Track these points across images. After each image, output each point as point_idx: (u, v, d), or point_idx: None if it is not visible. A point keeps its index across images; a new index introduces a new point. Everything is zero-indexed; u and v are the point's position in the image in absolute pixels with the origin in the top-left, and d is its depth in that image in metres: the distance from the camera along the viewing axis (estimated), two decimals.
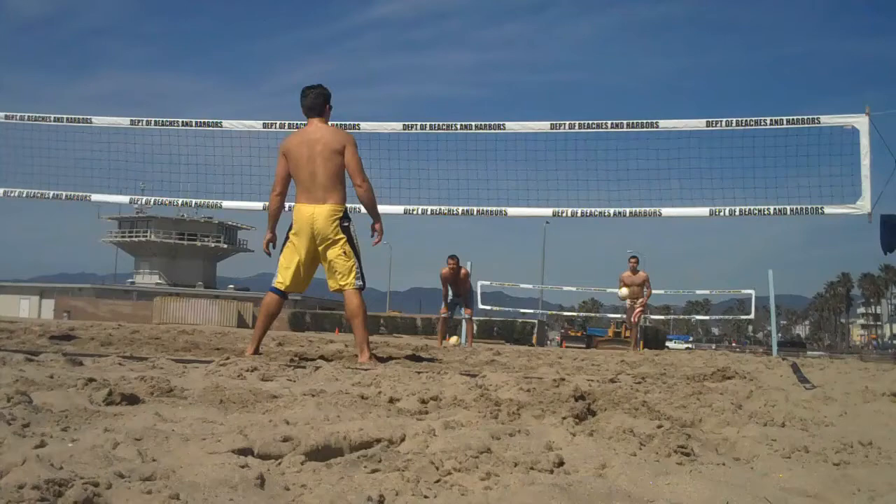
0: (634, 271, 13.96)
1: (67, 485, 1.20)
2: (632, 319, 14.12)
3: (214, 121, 8.84)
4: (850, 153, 7.42)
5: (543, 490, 1.33)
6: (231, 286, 60.57)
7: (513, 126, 8.36)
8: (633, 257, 14.06)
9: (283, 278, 4.78)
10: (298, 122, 8.97)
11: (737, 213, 7.74)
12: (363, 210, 5.07)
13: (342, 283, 4.76)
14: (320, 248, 4.73)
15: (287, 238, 4.80)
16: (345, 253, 4.73)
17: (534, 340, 30.97)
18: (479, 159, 8.45)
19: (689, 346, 60.41)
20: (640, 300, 13.99)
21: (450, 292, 12.59)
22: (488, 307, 23.25)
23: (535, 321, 36.62)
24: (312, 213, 4.69)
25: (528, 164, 8.48)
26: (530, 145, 8.45)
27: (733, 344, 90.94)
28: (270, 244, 4.99)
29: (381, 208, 8.28)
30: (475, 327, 14.30)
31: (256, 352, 4.68)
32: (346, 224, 4.76)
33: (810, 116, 7.67)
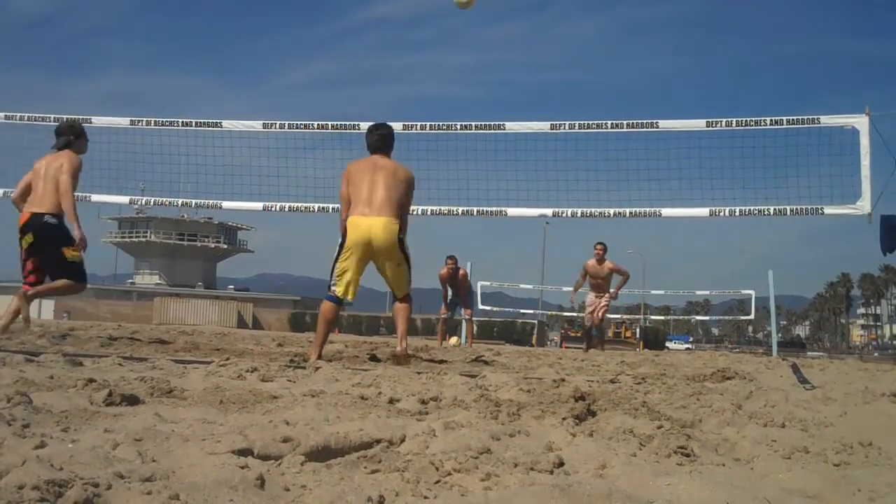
0: (601, 261, 11.81)
1: (67, 485, 1.20)
2: (596, 316, 11.98)
3: (214, 121, 8.84)
4: (850, 153, 7.43)
5: (543, 491, 1.33)
6: (231, 287, 60.56)
7: (513, 126, 8.36)
8: (600, 244, 11.77)
9: (341, 287, 4.89)
10: (298, 123, 8.98)
11: (737, 213, 7.75)
12: None
13: (398, 293, 5.03)
14: (379, 259, 4.91)
15: (342, 247, 4.89)
16: (399, 265, 4.95)
17: (534, 341, 30.96)
18: (479, 159, 8.46)
19: (689, 346, 60.39)
20: (606, 296, 11.98)
21: (449, 292, 12.55)
22: (488, 307, 23.24)
23: (535, 322, 36.60)
24: (371, 225, 4.82)
25: (528, 164, 8.49)
26: (530, 145, 8.46)
27: (730, 345, 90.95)
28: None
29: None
30: (475, 328, 14.18)
31: (320, 358, 4.69)
32: (402, 236, 4.94)
33: (810, 116, 7.68)
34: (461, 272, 12.43)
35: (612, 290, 11.90)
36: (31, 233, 5.82)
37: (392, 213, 4.85)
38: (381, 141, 5.15)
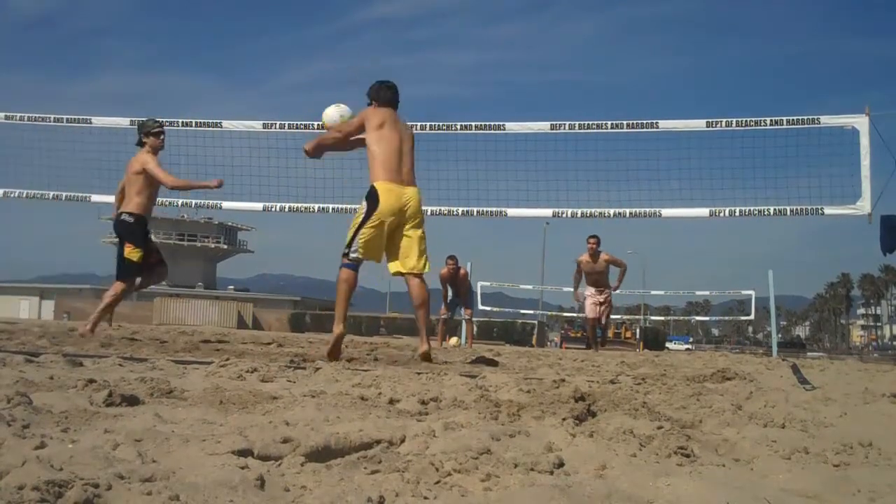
0: (595, 255, 10.95)
1: (67, 486, 1.20)
2: (596, 318, 11.31)
3: (214, 121, 8.85)
4: (850, 153, 7.44)
5: (543, 491, 1.33)
6: (231, 287, 60.56)
7: (513, 126, 8.36)
8: (593, 237, 10.79)
9: (364, 250, 4.83)
10: (298, 123, 8.98)
11: (737, 213, 7.75)
12: None
13: (420, 265, 4.92)
14: (406, 227, 4.86)
15: (368, 215, 4.81)
16: (424, 234, 4.97)
17: (534, 341, 30.96)
18: (479, 159, 8.47)
19: (690, 347, 60.40)
20: (607, 292, 11.27)
21: (449, 292, 12.52)
22: (488, 308, 23.23)
23: (535, 322, 36.59)
24: (407, 194, 4.86)
25: (528, 164, 8.49)
26: (530, 145, 8.46)
27: (730, 345, 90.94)
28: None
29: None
30: (475, 328, 14.12)
31: (344, 329, 4.78)
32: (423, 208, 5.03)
33: (810, 116, 7.68)
34: (462, 272, 12.41)
35: (613, 284, 11.32)
36: (115, 232, 6.45)
37: (415, 183, 4.99)
38: (397, 96, 5.15)
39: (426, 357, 4.79)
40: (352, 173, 8.64)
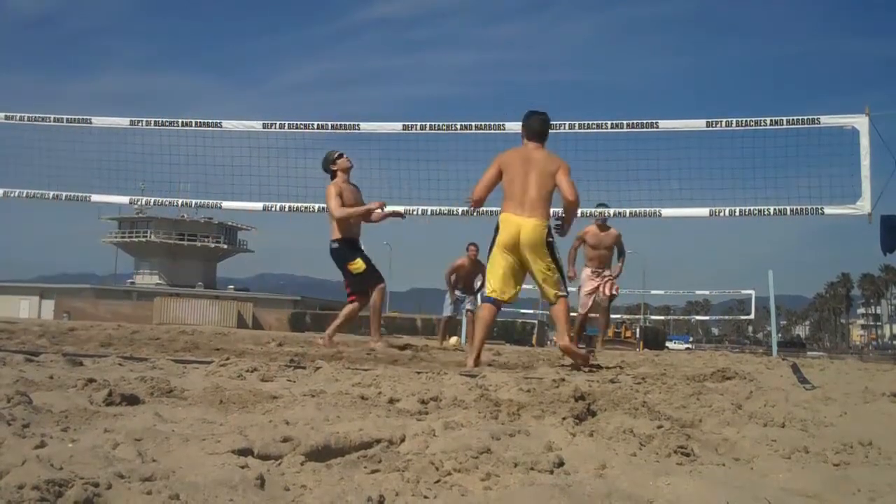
0: (604, 228, 9.51)
1: (67, 485, 1.20)
2: (603, 292, 9.69)
3: (214, 121, 8.83)
4: (850, 153, 7.42)
5: (543, 490, 1.33)
6: (231, 287, 60.50)
7: (513, 126, 8.34)
8: (602, 204, 8.56)
9: (494, 286, 4.98)
10: (298, 122, 8.98)
11: (737, 213, 7.74)
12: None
13: (549, 297, 5.04)
14: (527, 260, 4.92)
15: (493, 246, 4.98)
16: (548, 267, 4.94)
17: (534, 341, 30.95)
18: (479, 159, 8.45)
19: (690, 346, 60.38)
20: (606, 275, 9.75)
21: (456, 290, 11.61)
22: None
23: (536, 322, 36.58)
24: (521, 224, 4.86)
25: None
26: None
27: (729, 344, 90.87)
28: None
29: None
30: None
31: (477, 365, 4.76)
32: (550, 240, 4.97)
33: (810, 116, 7.67)
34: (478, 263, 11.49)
35: (616, 266, 9.77)
36: (333, 260, 6.81)
37: (542, 215, 4.89)
38: (543, 126, 5.12)
39: (568, 350, 5.01)
40: (351, 172, 8.64)
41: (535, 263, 4.89)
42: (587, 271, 9.87)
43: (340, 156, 6.95)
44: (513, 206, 4.89)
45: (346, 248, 6.79)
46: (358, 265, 6.72)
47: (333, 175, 6.92)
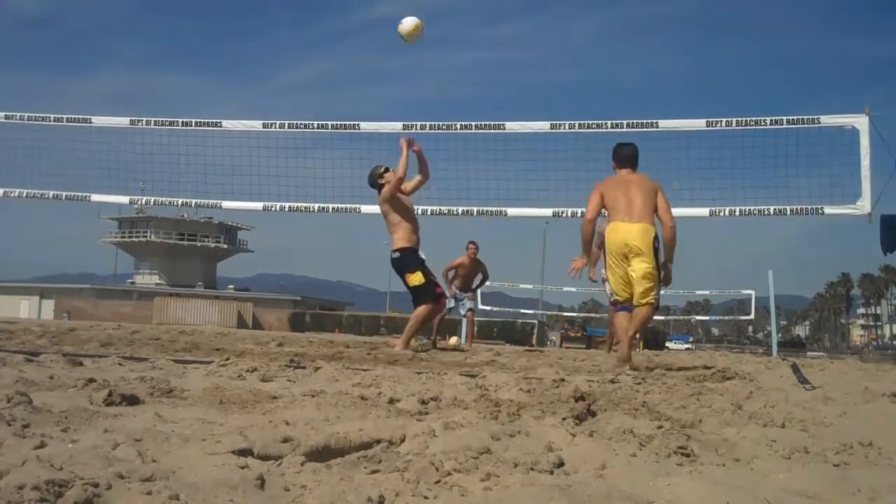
0: None
1: (67, 485, 1.20)
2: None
3: (214, 121, 8.84)
4: (850, 153, 7.43)
5: (543, 491, 1.33)
6: (231, 286, 60.50)
7: (513, 126, 8.35)
8: None
9: (618, 293, 5.26)
10: (298, 122, 8.98)
11: (737, 213, 7.74)
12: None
13: (641, 297, 5.16)
14: (633, 261, 5.14)
15: (605, 255, 5.31)
16: (651, 270, 5.12)
17: (534, 341, 30.95)
18: (479, 159, 8.46)
19: (690, 346, 60.34)
20: None
21: (454, 288, 11.48)
22: (488, 307, 23.20)
23: (535, 322, 36.59)
24: (628, 229, 5.15)
25: (528, 164, 8.49)
26: (530, 145, 8.46)
27: (728, 344, 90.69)
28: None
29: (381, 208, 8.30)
30: (475, 328, 13.18)
31: (634, 367, 4.93)
32: (657, 245, 5.19)
33: (810, 116, 7.67)
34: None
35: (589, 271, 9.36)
36: (394, 270, 6.82)
37: (648, 221, 5.18)
38: (633, 153, 5.49)
39: (624, 360, 5.02)
40: (352, 172, 8.64)
41: (638, 264, 5.10)
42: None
43: (387, 170, 6.92)
44: (620, 215, 5.21)
45: (408, 259, 6.77)
46: (417, 278, 6.71)
47: (380, 189, 6.87)
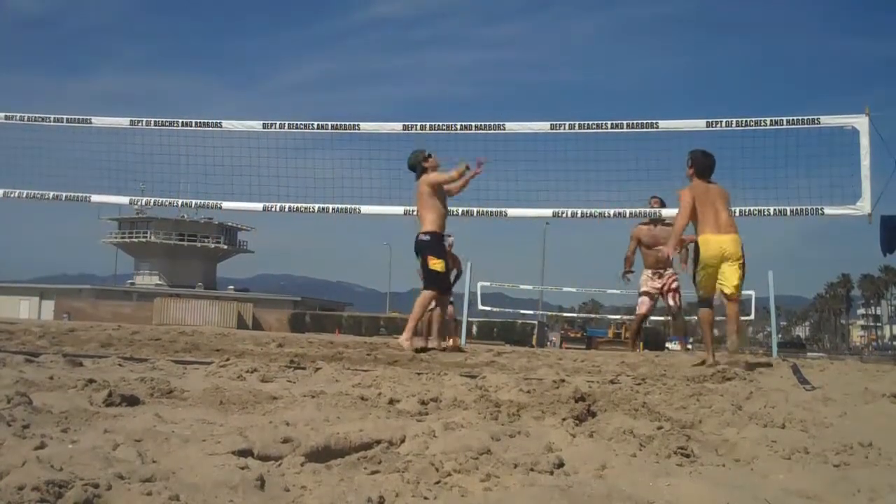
0: (657, 222, 8.64)
1: (67, 486, 1.20)
2: (671, 304, 8.89)
3: (214, 121, 8.83)
4: (850, 153, 7.42)
5: (543, 491, 1.33)
6: (231, 287, 60.48)
7: (513, 126, 8.35)
8: (655, 197, 8.19)
9: (706, 293, 6.02)
10: (298, 123, 8.97)
11: (736, 213, 7.73)
12: None
13: (729, 290, 5.89)
14: (725, 265, 5.86)
15: (698, 264, 5.94)
16: (740, 267, 5.90)
17: (533, 341, 30.95)
18: None
19: (689, 347, 60.20)
20: (667, 275, 8.80)
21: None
22: (488, 308, 23.20)
23: (535, 322, 36.58)
24: (721, 241, 5.85)
25: (528, 164, 8.48)
26: (530, 145, 8.45)
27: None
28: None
29: (381, 209, 8.30)
30: (475, 328, 13.22)
31: (716, 360, 5.72)
32: (743, 251, 5.94)
33: (810, 116, 7.67)
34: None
35: (680, 262, 8.37)
36: (416, 251, 6.94)
37: (736, 231, 5.98)
38: (714, 165, 6.05)
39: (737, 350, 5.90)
40: (352, 172, 8.64)
41: (732, 269, 5.85)
42: (647, 272, 9.02)
43: (430, 155, 7.04)
44: (710, 228, 5.87)
45: (436, 244, 6.91)
46: (441, 265, 6.89)
47: (423, 172, 6.95)
